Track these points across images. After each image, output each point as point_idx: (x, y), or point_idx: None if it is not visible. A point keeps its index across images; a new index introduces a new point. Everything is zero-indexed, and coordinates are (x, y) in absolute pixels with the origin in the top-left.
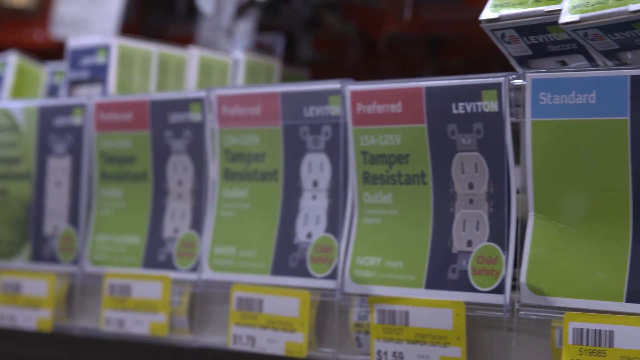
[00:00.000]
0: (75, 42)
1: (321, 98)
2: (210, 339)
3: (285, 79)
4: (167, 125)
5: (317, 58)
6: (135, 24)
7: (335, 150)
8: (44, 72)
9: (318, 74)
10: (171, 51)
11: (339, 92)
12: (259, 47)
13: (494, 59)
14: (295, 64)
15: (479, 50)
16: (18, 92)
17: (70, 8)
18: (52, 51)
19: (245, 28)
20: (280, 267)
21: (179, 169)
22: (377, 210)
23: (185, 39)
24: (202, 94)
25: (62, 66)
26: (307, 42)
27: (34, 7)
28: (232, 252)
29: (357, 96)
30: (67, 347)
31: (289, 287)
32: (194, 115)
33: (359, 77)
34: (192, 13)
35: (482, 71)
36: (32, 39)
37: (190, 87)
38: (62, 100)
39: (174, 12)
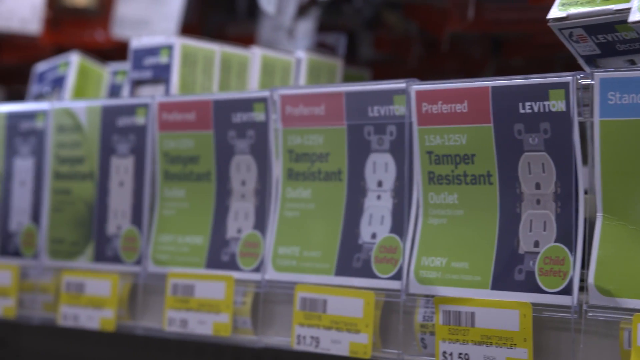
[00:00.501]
0: (138, 42)
1: (386, 98)
2: (274, 339)
3: (347, 78)
4: (231, 125)
5: (377, 57)
6: (195, 24)
7: (400, 150)
8: (106, 72)
9: (378, 74)
10: (233, 50)
11: (404, 92)
12: (321, 47)
13: (557, 57)
14: (356, 63)
15: (541, 49)
16: (80, 91)
17: (131, 8)
18: (113, 51)
19: (306, 27)
20: (345, 267)
21: (243, 169)
22: (442, 211)
23: (245, 39)
24: (265, 93)
25: (123, 66)
26: (367, 41)
27: (95, 7)
28: (296, 253)
29: (422, 96)
30: (130, 346)
31: (353, 287)
32: (258, 115)
33: (419, 76)
34: (253, 13)
35: (544, 70)
36: (93, 38)
37: (253, 87)
38: (125, 100)
39: (235, 12)
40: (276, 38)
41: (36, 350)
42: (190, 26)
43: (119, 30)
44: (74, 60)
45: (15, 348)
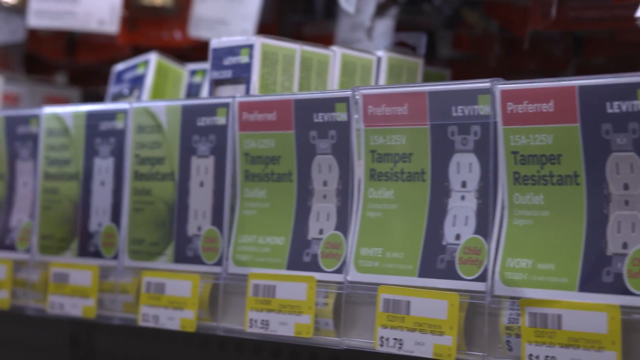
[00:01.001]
0: (218, 41)
1: (470, 97)
2: (356, 341)
3: (427, 78)
4: (312, 125)
5: (455, 56)
6: (272, 23)
7: (485, 150)
8: (184, 72)
9: (457, 73)
10: (313, 49)
11: (488, 91)
12: (400, 46)
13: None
14: (434, 62)
15: (624, 47)
16: (158, 91)
17: (208, 8)
18: (190, 51)
19: (385, 26)
20: (428, 268)
21: (324, 169)
22: (528, 212)
23: (322, 39)
24: (347, 93)
25: (201, 65)
26: (446, 40)
27: (172, 6)
28: (379, 254)
29: (507, 95)
30: (210, 347)
31: (437, 289)
32: (340, 115)
33: (499, 75)
34: (330, 13)
35: (626, 69)
36: (170, 38)
37: (333, 87)
38: (205, 99)
39: (312, 11)
40: (355, 37)
41: (108, 350)
42: (268, 26)
43: (196, 30)
44: (153, 59)
45: (88, 348)
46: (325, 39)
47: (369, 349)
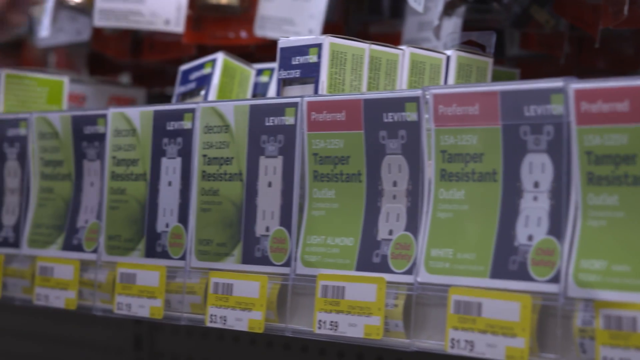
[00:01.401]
0: (286, 40)
1: (543, 97)
2: (427, 343)
3: (496, 77)
4: (382, 125)
5: (523, 55)
6: (339, 23)
7: (558, 150)
8: (251, 71)
9: (525, 72)
10: (382, 49)
11: (561, 91)
12: (468, 45)
13: None
14: (501, 61)
15: None
16: (225, 91)
17: (274, 7)
18: (256, 49)
19: (453, 25)
20: (500, 270)
21: (394, 169)
22: (602, 212)
23: (389, 38)
24: (418, 93)
25: (267, 65)
26: (514, 39)
27: (238, 5)
28: (449, 255)
29: (581, 94)
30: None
31: (509, 290)
32: (410, 115)
33: (568, 74)
34: (397, 12)
35: None
36: (235, 37)
37: (402, 86)
38: (273, 99)
39: (378, 10)
40: (422, 36)
41: (171, 350)
42: (334, 25)
43: (261, 29)
44: (219, 59)
45: (151, 349)
46: (392, 39)
47: (440, 351)
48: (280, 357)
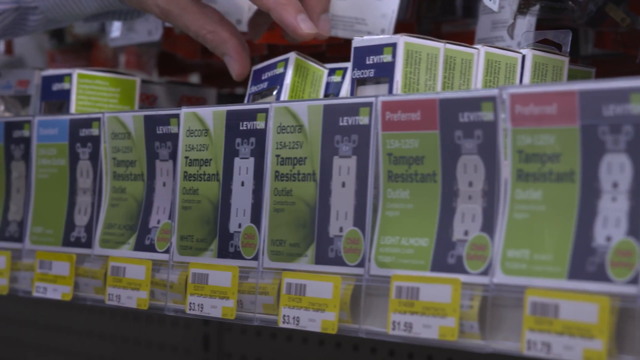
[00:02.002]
0: (360, 40)
1: (622, 96)
2: (503, 344)
3: (571, 76)
4: (457, 125)
5: (599, 54)
6: (410, 22)
7: (637, 151)
8: (323, 71)
9: (599, 71)
10: (457, 48)
11: None
12: (544, 44)
13: None
14: (576, 60)
15: None
16: (297, 90)
17: (345, 6)
18: (328, 49)
19: (528, 24)
20: (578, 271)
21: (470, 169)
22: None
23: (461, 37)
24: (494, 92)
25: (339, 65)
26: (589, 38)
27: None
28: (526, 256)
29: None
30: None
31: (586, 292)
32: (486, 115)
33: None
34: (469, 11)
35: None
36: None
37: (477, 86)
38: (347, 99)
39: (451, 10)
40: (495, 35)
41: (239, 351)
42: (405, 24)
43: (333, 28)
44: (292, 58)
45: (219, 349)
46: (464, 38)
47: (515, 353)
48: (349, 358)
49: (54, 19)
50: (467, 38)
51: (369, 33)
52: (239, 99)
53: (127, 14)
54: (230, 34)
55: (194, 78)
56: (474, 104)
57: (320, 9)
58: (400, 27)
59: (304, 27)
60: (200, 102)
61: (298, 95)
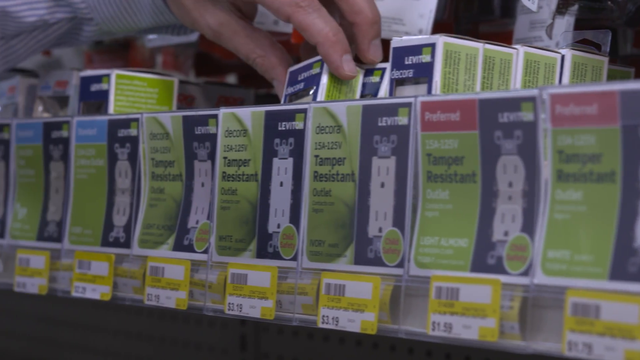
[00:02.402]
0: (398, 40)
1: None
2: (543, 345)
3: (610, 76)
4: (497, 125)
5: (637, 54)
6: (448, 22)
7: None
8: (359, 71)
9: (638, 71)
10: (496, 48)
11: None
12: (583, 44)
13: None
14: (615, 60)
15: None
16: (333, 91)
17: (383, 6)
18: None
19: (566, 24)
20: (619, 271)
21: (509, 170)
22: None
23: (499, 37)
24: (534, 92)
25: (377, 65)
26: (628, 38)
27: None
28: (566, 256)
29: None
30: (380, 349)
31: (628, 292)
32: (526, 115)
33: None
34: (507, 11)
35: None
36: None
37: (516, 86)
38: (386, 99)
39: (489, 9)
40: (533, 35)
41: (277, 351)
42: (443, 24)
43: None
44: None
45: (257, 349)
46: (502, 38)
47: (556, 354)
48: (386, 358)
49: (108, 31)
50: (504, 38)
51: (407, 33)
52: (277, 100)
53: (181, 28)
54: (279, 59)
55: (231, 78)
56: (514, 104)
57: (372, 36)
58: (438, 27)
59: (347, 68)
60: (238, 102)
61: (334, 95)
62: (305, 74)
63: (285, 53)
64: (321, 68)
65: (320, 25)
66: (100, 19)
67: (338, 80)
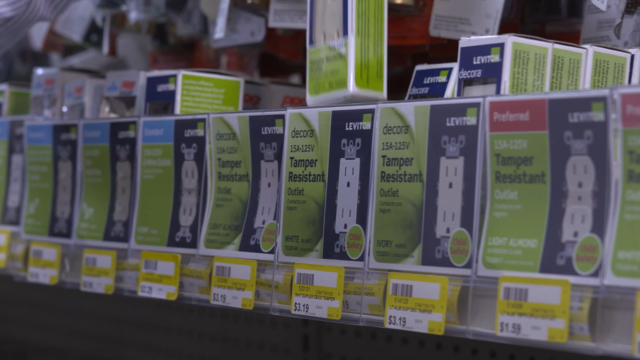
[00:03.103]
0: (467, 40)
1: None
2: (613, 346)
3: None
4: (567, 125)
5: None
6: (514, 22)
7: None
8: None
9: None
10: (565, 48)
11: None
12: None
13: None
14: None
15: None
16: None
17: (449, 6)
18: (431, 49)
19: (635, 23)
20: None
21: (579, 170)
22: None
23: (566, 37)
24: (605, 92)
25: (444, 65)
26: None
27: (412, 4)
28: (637, 257)
29: None
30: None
31: None
32: (596, 115)
33: None
34: (575, 10)
35: None
36: (411, 37)
37: (585, 86)
38: (455, 99)
39: (555, 9)
40: (601, 35)
41: (339, 352)
42: (509, 25)
43: (436, 28)
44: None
45: (319, 350)
46: (569, 37)
47: (626, 355)
48: (450, 359)
49: None
50: (571, 38)
51: (473, 33)
52: None
53: None
54: None
55: (295, 79)
56: (584, 104)
57: None
58: (504, 27)
59: None
60: (303, 103)
61: None
62: (430, 79)
63: None
64: (448, 77)
65: None
66: None
67: None
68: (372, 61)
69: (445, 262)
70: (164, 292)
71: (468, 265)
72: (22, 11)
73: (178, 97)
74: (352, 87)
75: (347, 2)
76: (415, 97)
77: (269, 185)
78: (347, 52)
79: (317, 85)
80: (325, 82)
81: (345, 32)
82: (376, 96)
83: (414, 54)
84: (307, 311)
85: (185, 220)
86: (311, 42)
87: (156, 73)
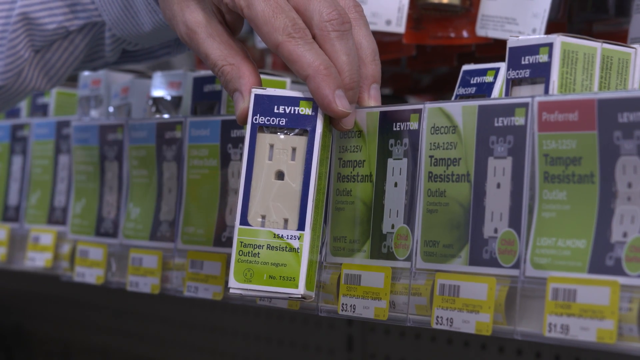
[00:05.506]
0: (515, 40)
1: None
2: None
3: None
4: (616, 125)
5: None
6: (561, 22)
7: None
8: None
9: None
10: (614, 47)
11: None
12: None
13: None
14: None
15: None
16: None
17: (496, 6)
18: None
19: None
20: None
21: (629, 170)
22: None
23: (613, 37)
24: None
25: (491, 65)
26: None
27: (459, 4)
28: None
29: None
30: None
31: None
32: None
33: None
34: (622, 10)
35: None
36: (457, 37)
37: (634, 85)
38: (503, 99)
39: (603, 9)
40: None
41: (384, 352)
42: (556, 24)
43: (483, 28)
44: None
45: (364, 350)
46: (617, 37)
47: None
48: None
49: (120, 37)
50: (619, 37)
51: (520, 33)
52: (394, 100)
53: (181, 45)
54: (250, 71)
55: None
56: (634, 104)
57: (373, 79)
58: (551, 26)
59: (340, 104)
60: None
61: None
62: (477, 79)
63: (257, 70)
64: (495, 77)
65: (310, 58)
66: (110, 22)
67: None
68: (314, 259)
69: (493, 263)
70: (210, 292)
71: (516, 266)
72: (12, 82)
73: (224, 97)
74: (302, 287)
75: (308, 195)
76: (462, 97)
77: None
78: (301, 249)
79: (250, 273)
80: (264, 272)
81: (301, 227)
82: (310, 295)
83: (459, 53)
84: (354, 311)
85: (231, 220)
86: (244, 222)
87: (202, 73)
